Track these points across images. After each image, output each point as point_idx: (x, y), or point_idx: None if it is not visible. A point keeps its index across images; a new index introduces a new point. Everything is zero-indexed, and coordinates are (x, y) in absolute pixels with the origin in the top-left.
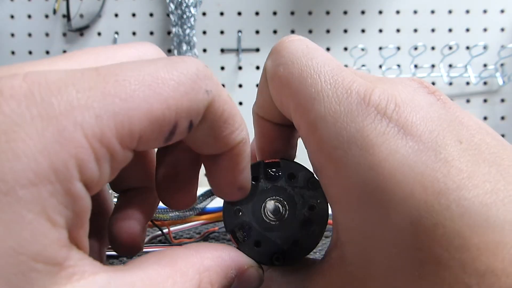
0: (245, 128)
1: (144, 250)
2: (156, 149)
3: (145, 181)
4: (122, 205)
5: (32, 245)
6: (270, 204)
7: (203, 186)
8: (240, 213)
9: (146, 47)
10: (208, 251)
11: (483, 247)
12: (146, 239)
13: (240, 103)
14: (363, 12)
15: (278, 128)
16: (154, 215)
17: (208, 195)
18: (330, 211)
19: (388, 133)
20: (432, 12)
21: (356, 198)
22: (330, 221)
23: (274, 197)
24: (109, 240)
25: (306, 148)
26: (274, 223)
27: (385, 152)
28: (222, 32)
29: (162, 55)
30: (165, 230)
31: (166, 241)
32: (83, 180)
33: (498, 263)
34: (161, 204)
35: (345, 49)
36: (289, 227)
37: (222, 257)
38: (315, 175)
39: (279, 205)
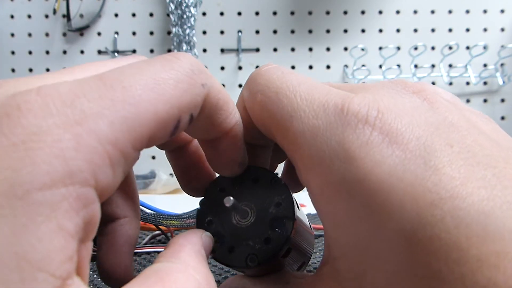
0: (237, 112)
1: (144, 250)
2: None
3: (130, 211)
4: (110, 237)
5: (37, 252)
6: (238, 209)
7: None
8: (212, 224)
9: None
10: (183, 252)
11: (483, 259)
12: (146, 239)
13: None
14: (363, 12)
15: (250, 147)
16: (159, 221)
17: None
18: (298, 211)
19: (372, 142)
20: (432, 12)
21: (346, 214)
22: (316, 225)
23: (241, 202)
24: (100, 274)
25: (296, 171)
26: (244, 226)
27: (370, 164)
28: (222, 32)
29: None
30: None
31: (166, 240)
32: (96, 184)
33: (500, 275)
34: (164, 210)
35: (345, 49)
36: (259, 227)
37: (193, 248)
38: (277, 175)
39: (247, 209)
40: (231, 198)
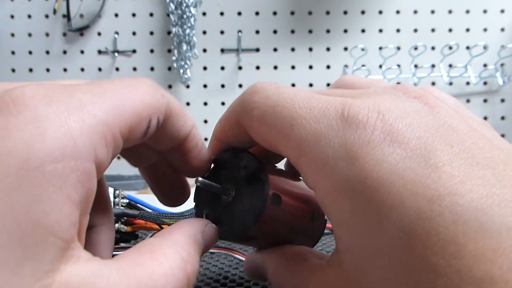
0: (190, 117)
1: None
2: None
3: (104, 219)
4: (87, 244)
5: (49, 218)
6: (216, 188)
7: None
8: (209, 215)
9: None
10: (177, 232)
11: (480, 254)
12: (148, 237)
13: None
14: (363, 12)
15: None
16: (161, 219)
17: None
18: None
19: (373, 141)
20: (432, 12)
21: (349, 211)
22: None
23: (221, 183)
24: None
25: (301, 175)
26: (231, 200)
27: (371, 162)
28: (222, 32)
29: None
30: None
31: None
32: (96, 161)
33: (496, 270)
34: (167, 209)
35: (345, 49)
36: (241, 193)
37: (188, 231)
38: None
39: (225, 186)
40: (200, 178)
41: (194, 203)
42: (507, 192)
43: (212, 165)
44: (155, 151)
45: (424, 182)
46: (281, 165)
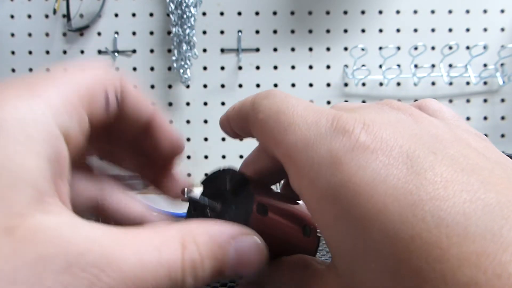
0: (150, 98)
1: None
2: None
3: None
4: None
5: (16, 164)
6: (201, 203)
7: None
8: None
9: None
10: (195, 222)
11: (463, 258)
12: None
13: None
14: (363, 12)
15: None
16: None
17: None
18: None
19: (357, 149)
20: (432, 12)
21: (333, 217)
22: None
23: (208, 199)
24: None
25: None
26: (219, 212)
27: (354, 168)
28: (222, 32)
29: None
30: None
31: None
32: (60, 127)
33: (481, 275)
34: (168, 210)
35: (345, 49)
36: (227, 205)
37: (209, 225)
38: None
39: (212, 201)
40: (185, 189)
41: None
42: (491, 197)
43: (202, 185)
44: (128, 142)
45: (406, 187)
46: None
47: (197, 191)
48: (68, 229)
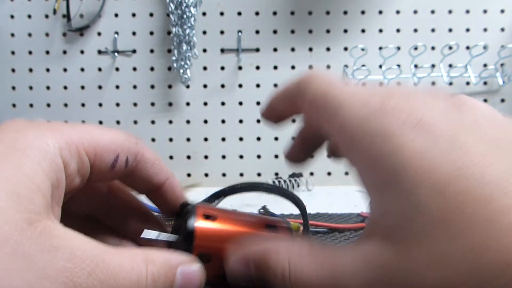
0: (169, 169)
1: None
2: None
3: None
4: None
5: (36, 181)
6: (163, 238)
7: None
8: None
9: None
10: (153, 249)
11: (505, 210)
12: None
13: (240, 103)
14: (363, 12)
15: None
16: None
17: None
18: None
19: (405, 127)
20: (432, 12)
21: (385, 180)
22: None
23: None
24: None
25: (339, 150)
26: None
27: (405, 139)
28: (222, 32)
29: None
30: None
31: None
32: (63, 160)
33: None
34: None
35: (345, 49)
36: (180, 239)
37: (164, 253)
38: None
39: (164, 238)
40: (145, 230)
41: None
42: None
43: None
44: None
45: (451, 157)
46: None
47: (197, 191)
48: (71, 231)
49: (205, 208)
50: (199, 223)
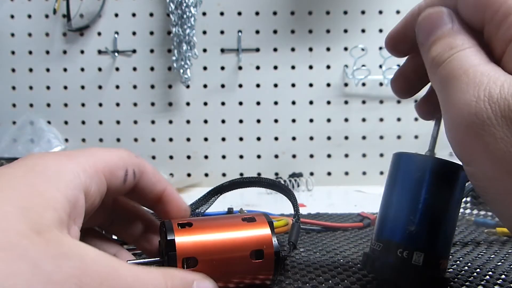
0: (164, 177)
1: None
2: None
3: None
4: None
5: (51, 199)
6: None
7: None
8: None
9: None
10: (171, 268)
11: None
12: None
13: (240, 103)
14: (363, 12)
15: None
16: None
17: (206, 199)
18: None
19: None
20: None
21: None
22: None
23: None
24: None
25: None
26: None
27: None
28: (222, 32)
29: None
30: None
31: None
32: (82, 184)
33: None
34: None
35: (345, 49)
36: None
37: (179, 271)
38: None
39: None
40: (127, 261)
41: None
42: None
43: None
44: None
45: None
46: None
47: (197, 191)
48: (82, 243)
49: (179, 220)
50: (177, 232)
